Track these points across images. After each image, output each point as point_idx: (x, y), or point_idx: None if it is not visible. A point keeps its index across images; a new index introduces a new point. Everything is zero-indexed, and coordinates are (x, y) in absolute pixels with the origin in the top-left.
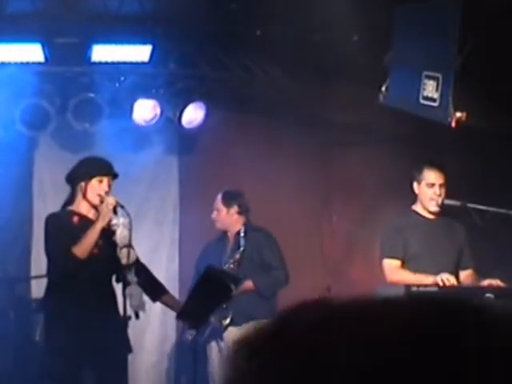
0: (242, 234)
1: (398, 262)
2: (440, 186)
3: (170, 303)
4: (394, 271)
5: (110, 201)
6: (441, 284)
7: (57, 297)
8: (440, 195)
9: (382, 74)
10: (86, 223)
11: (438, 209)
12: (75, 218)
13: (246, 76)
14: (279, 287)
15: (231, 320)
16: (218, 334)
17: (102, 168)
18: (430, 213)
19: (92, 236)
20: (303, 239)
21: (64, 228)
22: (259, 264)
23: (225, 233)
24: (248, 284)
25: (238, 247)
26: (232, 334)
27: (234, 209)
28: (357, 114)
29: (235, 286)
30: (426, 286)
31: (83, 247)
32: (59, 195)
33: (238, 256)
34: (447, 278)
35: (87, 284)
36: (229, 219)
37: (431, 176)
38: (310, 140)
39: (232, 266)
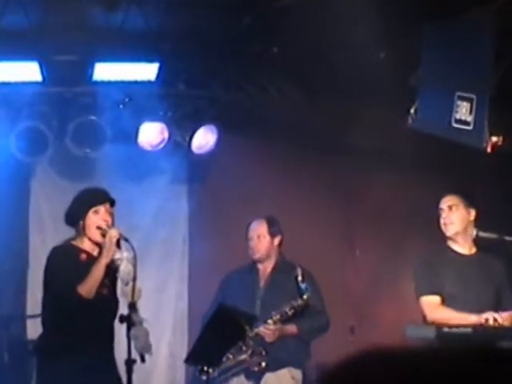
0: (300, 278)
1: (437, 299)
2: (449, 207)
3: None
4: (435, 309)
5: (113, 233)
6: (483, 323)
7: (54, 339)
8: (446, 217)
9: (411, 95)
10: (93, 262)
11: (453, 233)
12: (83, 256)
13: (262, 97)
14: (322, 333)
15: (267, 365)
16: (252, 379)
17: (94, 197)
18: (464, 247)
19: (97, 273)
20: (324, 275)
21: (71, 264)
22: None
23: (254, 264)
24: (291, 328)
25: (301, 294)
26: (267, 380)
27: (278, 239)
28: (382, 138)
29: (250, 326)
30: (459, 326)
31: (88, 286)
32: (58, 227)
33: (300, 303)
34: (493, 317)
35: (90, 326)
36: (271, 250)
37: (441, 202)
38: (330, 167)
39: (288, 311)
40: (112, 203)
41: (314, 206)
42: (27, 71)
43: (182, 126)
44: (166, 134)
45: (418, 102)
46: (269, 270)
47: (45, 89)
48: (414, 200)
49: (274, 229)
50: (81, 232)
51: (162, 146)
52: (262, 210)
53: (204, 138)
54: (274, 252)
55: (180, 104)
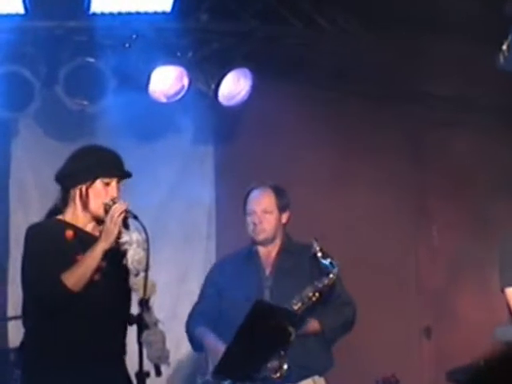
0: (319, 254)
1: None
2: None
3: None
4: None
5: (118, 209)
6: None
7: (39, 345)
8: None
9: (504, 28)
10: (85, 240)
11: None
12: (69, 233)
13: (309, 32)
14: (347, 330)
15: (288, 368)
16: None
17: (110, 165)
18: None
19: (90, 262)
20: (391, 262)
21: (54, 245)
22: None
23: (252, 247)
24: (313, 324)
25: (327, 272)
26: None
27: (287, 215)
28: (465, 83)
29: (295, 328)
30: None
31: (77, 276)
32: (46, 201)
33: (326, 282)
34: None
35: (84, 325)
36: (278, 229)
37: None
38: (396, 121)
39: (311, 295)
40: (125, 177)
41: (376, 172)
42: (5, 1)
43: (206, 69)
44: (186, 81)
45: (510, 37)
46: (273, 253)
47: (29, 23)
48: (506, 161)
49: (283, 201)
50: (75, 199)
51: (180, 96)
52: (307, 176)
53: (234, 86)
54: (280, 232)
55: (203, 41)
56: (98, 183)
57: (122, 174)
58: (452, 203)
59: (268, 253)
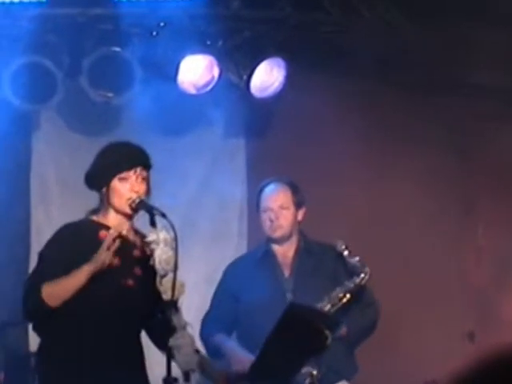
0: (346, 253)
1: None
2: None
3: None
4: None
5: (111, 235)
6: None
7: (54, 352)
8: None
9: None
10: (120, 242)
11: None
12: (103, 233)
13: (347, 20)
14: (372, 332)
15: (319, 372)
16: None
17: (124, 159)
18: None
19: (72, 281)
20: (433, 262)
21: (86, 244)
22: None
23: (267, 247)
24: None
25: (357, 271)
26: None
27: (303, 212)
28: None
29: (331, 332)
30: None
31: (55, 290)
32: (67, 196)
33: (357, 282)
34: None
35: (107, 333)
36: (295, 226)
37: None
38: (440, 113)
39: (342, 296)
40: (146, 167)
41: (417, 167)
42: None
43: (238, 59)
44: (216, 71)
45: None
46: (290, 253)
47: (50, 11)
48: None
49: (299, 197)
50: (104, 201)
51: (210, 87)
52: (344, 172)
53: (267, 76)
54: (296, 230)
55: (234, 29)
56: (115, 182)
57: (137, 164)
58: (498, 200)
59: (284, 252)
